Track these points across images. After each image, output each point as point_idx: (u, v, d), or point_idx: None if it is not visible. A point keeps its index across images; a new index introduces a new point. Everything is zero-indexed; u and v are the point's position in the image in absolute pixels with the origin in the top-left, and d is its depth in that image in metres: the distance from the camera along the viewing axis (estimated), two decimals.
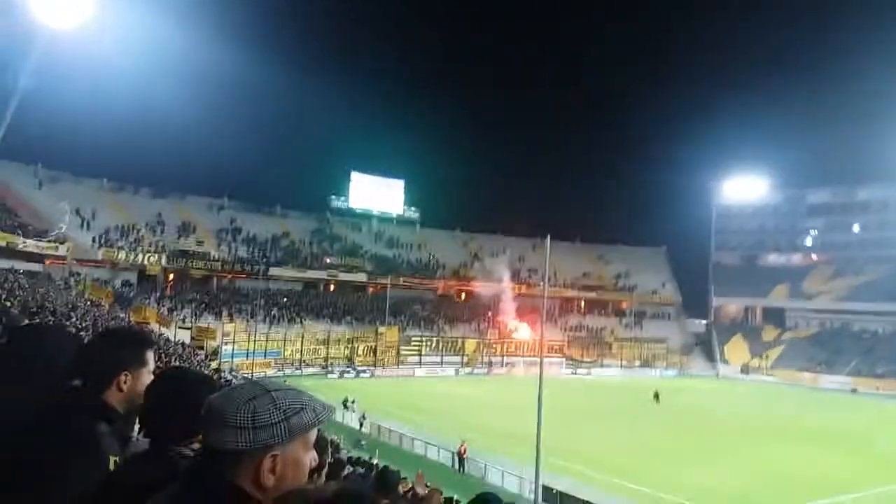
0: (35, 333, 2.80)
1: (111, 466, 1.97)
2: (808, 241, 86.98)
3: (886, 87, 73.19)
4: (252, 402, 1.35)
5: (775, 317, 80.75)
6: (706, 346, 79.01)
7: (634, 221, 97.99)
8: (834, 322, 75.20)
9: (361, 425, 32.79)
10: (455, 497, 13.57)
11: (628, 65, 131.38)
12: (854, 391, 60.68)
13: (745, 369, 71.15)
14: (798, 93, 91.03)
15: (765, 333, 78.05)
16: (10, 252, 39.39)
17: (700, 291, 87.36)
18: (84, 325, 24.07)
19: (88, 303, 38.23)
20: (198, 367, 32.10)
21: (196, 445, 1.90)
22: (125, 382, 2.17)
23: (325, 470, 3.08)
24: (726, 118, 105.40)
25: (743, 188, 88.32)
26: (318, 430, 1.49)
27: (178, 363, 27.76)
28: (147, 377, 2.22)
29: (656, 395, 47.14)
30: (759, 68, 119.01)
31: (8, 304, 20.29)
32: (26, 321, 11.62)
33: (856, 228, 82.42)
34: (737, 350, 75.82)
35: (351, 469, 15.35)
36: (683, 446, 32.22)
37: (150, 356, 2.28)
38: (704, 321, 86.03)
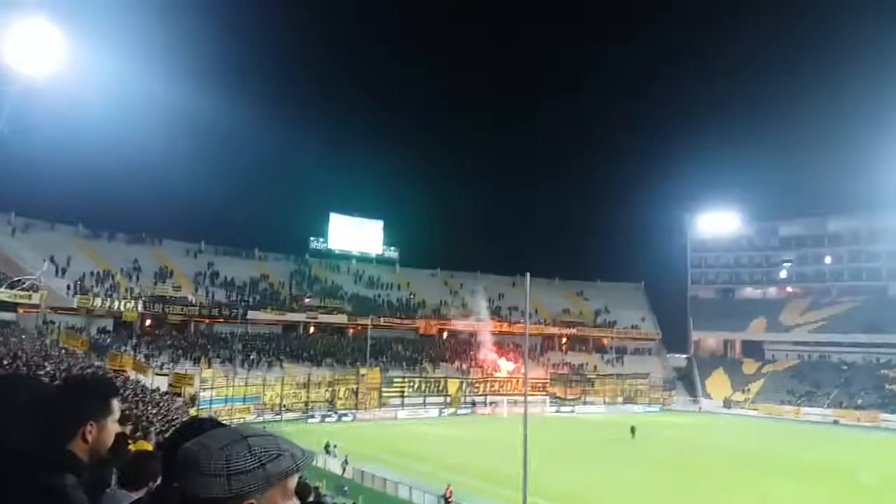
0: (9, 385, 2.74)
1: None
2: (783, 274, 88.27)
3: (855, 119, 75.56)
4: (226, 448, 1.32)
5: (754, 350, 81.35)
6: (688, 381, 79.10)
7: (612, 258, 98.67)
8: (812, 354, 75.85)
9: (344, 470, 32.14)
10: None
11: (603, 104, 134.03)
12: (835, 423, 60.95)
13: (728, 403, 71.25)
14: (768, 126, 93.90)
15: (745, 367, 78.45)
16: None
17: (679, 326, 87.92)
18: (59, 374, 23.54)
19: (63, 351, 37.46)
20: (174, 415, 31.44)
21: None
22: (90, 433, 2.12)
23: None
24: (698, 153, 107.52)
25: (716, 222, 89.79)
26: (300, 477, 1.46)
27: (155, 411, 27.19)
28: (112, 426, 2.18)
29: (633, 430, 47.48)
30: (729, 102, 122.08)
31: None
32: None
33: (828, 260, 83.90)
34: (718, 384, 75.99)
35: None
36: (669, 484, 32.02)
37: (116, 405, 2.24)
38: (685, 356, 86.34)
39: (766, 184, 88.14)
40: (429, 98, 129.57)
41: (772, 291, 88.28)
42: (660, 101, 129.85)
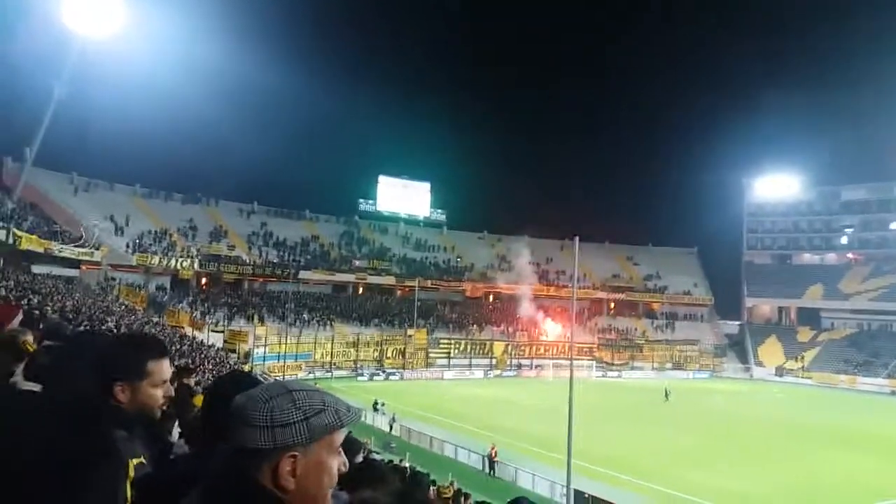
0: (91, 339, 2.85)
1: (131, 471, 1.96)
2: (844, 240, 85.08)
3: None
4: (272, 400, 1.33)
5: (810, 317, 79.09)
6: (740, 348, 77.68)
7: (665, 222, 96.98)
8: (871, 323, 73.44)
9: (391, 428, 32.82)
10: (486, 501, 13.53)
11: (657, 63, 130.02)
12: (893, 393, 59.18)
13: (780, 371, 69.81)
14: (831, 88, 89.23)
15: (800, 335, 76.52)
16: (47, 258, 40.29)
17: (733, 292, 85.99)
18: (120, 329, 24.54)
19: (123, 307, 38.98)
20: (231, 369, 32.51)
21: None
22: (122, 393, 2.10)
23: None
24: (757, 115, 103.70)
25: (775, 186, 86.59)
26: (349, 433, 1.46)
27: (210, 366, 28.16)
28: (152, 389, 2.14)
29: (666, 393, 47.57)
30: (790, 64, 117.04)
31: (47, 308, 20.78)
32: (69, 326, 11.87)
33: (893, 226, 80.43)
34: (771, 352, 74.42)
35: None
36: (717, 450, 31.73)
37: (156, 367, 2.16)
38: (738, 322, 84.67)
39: (829, 147, 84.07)
40: (477, 58, 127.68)
41: (831, 258, 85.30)
42: (720, 60, 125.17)
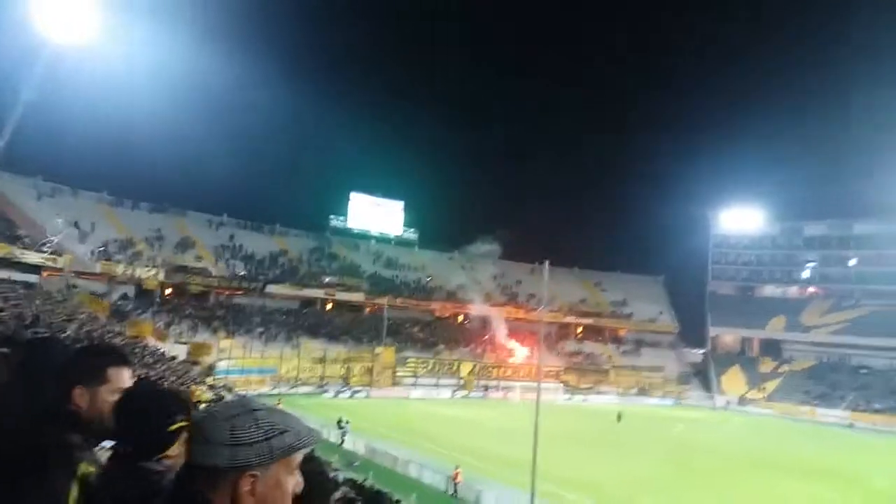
0: (35, 348, 2.80)
1: (80, 473, 1.97)
2: (806, 274, 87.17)
3: (885, 122, 73.86)
4: (233, 419, 1.33)
5: (773, 348, 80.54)
6: (703, 376, 78.67)
7: (633, 250, 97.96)
8: (831, 356, 74.96)
9: (342, 442, 33.02)
10: None
11: (628, 93, 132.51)
12: (851, 426, 60.33)
13: (743, 400, 70.77)
14: (797, 125, 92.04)
15: (762, 365, 77.78)
16: (7, 263, 39.30)
17: (697, 321, 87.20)
18: (81, 337, 23.94)
19: (84, 315, 38.07)
20: (191, 383, 31.93)
21: (167, 461, 1.91)
22: (80, 397, 2.12)
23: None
24: (725, 148, 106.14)
25: (740, 219, 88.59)
26: (315, 457, 1.46)
27: (174, 378, 27.60)
28: (109, 395, 2.16)
29: (619, 416, 48.37)
30: (758, 99, 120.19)
31: (5, 314, 20.21)
32: (28, 333, 11.57)
33: (853, 262, 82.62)
34: (734, 381, 75.48)
35: (345, 490, 15.17)
36: (680, 478, 31.94)
37: (115, 374, 2.19)
38: (702, 350, 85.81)
39: (793, 183, 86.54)
40: (456, 79, 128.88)
41: (793, 291, 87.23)
42: (688, 95, 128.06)
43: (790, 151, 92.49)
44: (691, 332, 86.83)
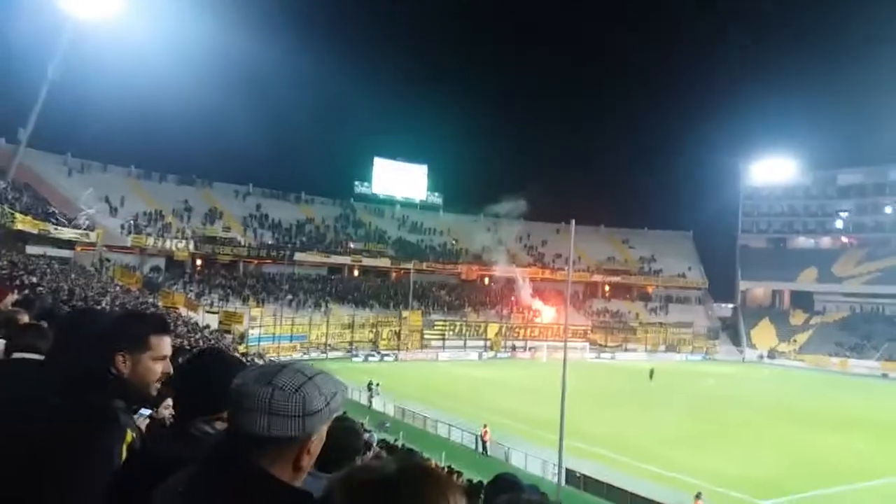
0: (77, 318, 2.95)
1: (129, 440, 2.06)
2: (839, 223, 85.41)
3: None
4: (301, 390, 1.36)
5: (804, 301, 79.59)
6: (733, 331, 78.20)
7: (660, 205, 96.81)
8: (864, 306, 73.89)
9: (371, 403, 34.02)
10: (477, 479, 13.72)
11: (652, 45, 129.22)
12: (884, 376, 59.72)
13: (773, 354, 70.33)
14: (828, 71, 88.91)
15: (793, 318, 77.01)
16: (42, 239, 40.22)
17: (727, 275, 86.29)
18: (115, 309, 24.58)
19: (118, 288, 39.00)
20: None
21: (219, 424, 1.96)
22: (123, 363, 2.18)
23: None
24: (754, 98, 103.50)
25: (771, 170, 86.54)
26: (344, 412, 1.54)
27: (206, 346, 28.23)
28: (152, 363, 2.22)
29: (651, 373, 48.26)
30: (787, 46, 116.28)
31: (40, 289, 20.82)
32: (63, 307, 11.94)
33: (888, 210, 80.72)
34: (764, 334, 74.93)
35: (377, 450, 15.57)
36: (708, 431, 32.07)
37: (157, 342, 2.23)
38: (731, 305, 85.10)
39: (826, 131, 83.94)
40: (478, 40, 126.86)
41: (826, 241, 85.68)
42: (716, 44, 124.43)
43: (822, 97, 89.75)
44: (721, 287, 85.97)
